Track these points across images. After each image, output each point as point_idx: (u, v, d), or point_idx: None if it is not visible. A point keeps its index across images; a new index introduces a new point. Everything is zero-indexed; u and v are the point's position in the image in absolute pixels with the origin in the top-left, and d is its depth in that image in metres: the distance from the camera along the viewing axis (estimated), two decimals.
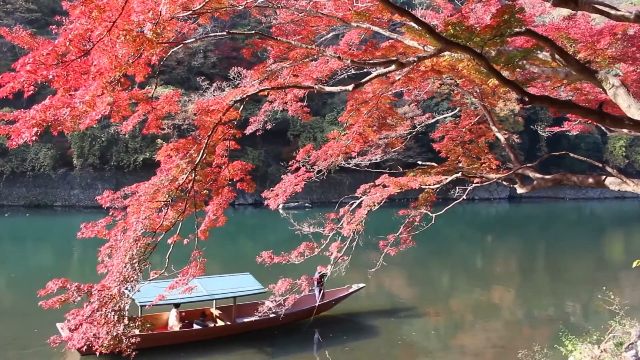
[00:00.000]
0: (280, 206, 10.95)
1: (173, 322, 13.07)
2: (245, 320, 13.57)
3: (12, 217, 39.78)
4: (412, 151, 42.67)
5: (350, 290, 15.73)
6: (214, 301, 13.69)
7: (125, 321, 6.27)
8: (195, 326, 13.10)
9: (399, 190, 10.14)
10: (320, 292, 14.87)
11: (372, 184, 10.71)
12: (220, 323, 13.63)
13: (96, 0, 5.02)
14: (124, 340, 6.01)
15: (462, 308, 16.89)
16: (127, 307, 6.09)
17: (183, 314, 13.26)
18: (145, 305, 11.67)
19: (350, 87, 6.99)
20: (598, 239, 35.57)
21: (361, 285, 15.99)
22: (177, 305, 12.96)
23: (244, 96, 6.91)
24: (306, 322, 14.05)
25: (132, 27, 5.13)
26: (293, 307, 12.54)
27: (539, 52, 7.97)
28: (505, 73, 7.46)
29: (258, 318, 13.08)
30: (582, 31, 9.66)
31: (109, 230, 7.13)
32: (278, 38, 8.95)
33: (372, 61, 8.14)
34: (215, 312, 13.89)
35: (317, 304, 13.95)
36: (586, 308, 17.21)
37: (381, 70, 7.34)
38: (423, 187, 10.38)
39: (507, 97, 12.57)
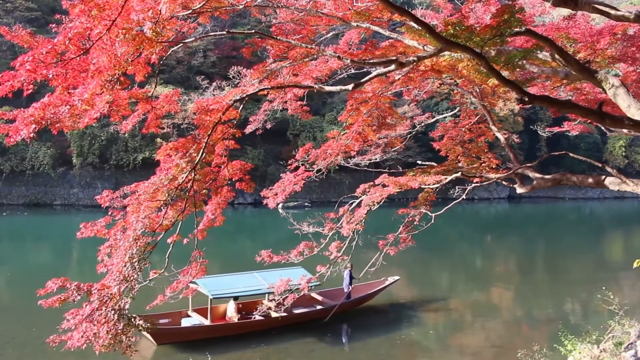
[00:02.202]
0: (280, 205, 11.03)
1: (232, 313, 13.80)
2: (300, 311, 14.45)
3: (10, 216, 39.76)
4: (412, 151, 42.70)
5: (386, 282, 16.55)
6: (267, 294, 14.22)
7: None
8: (257, 317, 13.91)
9: (398, 190, 10.14)
10: (350, 284, 15.71)
11: (371, 183, 10.71)
12: (274, 314, 14.16)
13: None
14: (124, 340, 6.00)
15: (461, 308, 16.89)
16: (127, 307, 6.08)
17: (240, 305, 14.06)
18: (216, 297, 13.07)
19: (350, 87, 6.98)
20: (597, 239, 35.59)
21: (396, 277, 16.81)
22: (235, 298, 13.74)
23: (244, 95, 6.91)
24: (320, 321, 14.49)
25: (131, 25, 5.12)
26: (338, 299, 14.93)
27: (538, 52, 7.97)
28: (505, 73, 7.46)
29: (312, 309, 14.55)
30: (582, 31, 9.66)
31: (109, 229, 7.13)
32: (278, 37, 8.95)
33: (371, 61, 8.13)
34: (269, 304, 14.43)
35: (344, 298, 15.20)
36: (585, 308, 17.22)
37: (381, 69, 7.34)
38: (423, 186, 10.38)
39: (507, 96, 12.57)
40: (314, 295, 15.47)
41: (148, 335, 12.44)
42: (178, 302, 13.78)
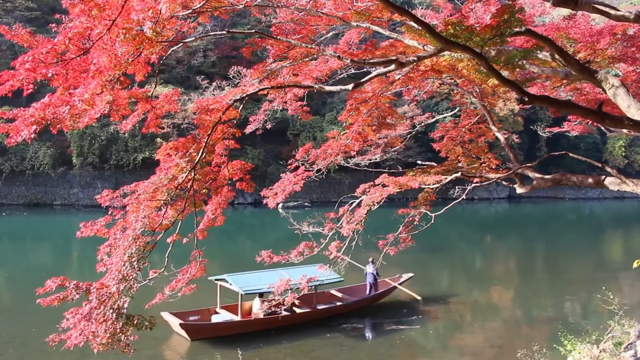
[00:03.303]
0: (280, 205, 11.09)
1: (257, 310, 14.00)
2: (324, 307, 15.05)
3: (10, 216, 39.77)
4: (412, 151, 42.73)
5: (401, 279, 17.24)
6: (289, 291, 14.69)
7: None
8: (283, 313, 14.15)
9: (398, 190, 10.14)
10: (375, 280, 16.45)
11: (371, 183, 10.70)
12: (298, 310, 14.61)
13: None
14: (123, 339, 6.00)
15: (461, 308, 16.89)
16: (126, 306, 6.07)
17: (265, 302, 14.23)
18: (246, 293, 13.47)
19: (350, 87, 6.98)
20: (597, 239, 35.59)
21: (410, 274, 17.51)
22: (261, 295, 14.02)
23: (244, 95, 6.90)
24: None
25: (131, 25, 5.12)
26: (358, 295, 15.99)
27: (538, 52, 7.97)
28: (505, 73, 7.46)
29: (333, 305, 15.22)
30: (582, 31, 9.67)
31: (108, 229, 7.12)
32: (278, 37, 8.94)
33: (371, 60, 8.13)
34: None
35: (368, 292, 16.16)
36: (585, 308, 17.21)
37: (381, 69, 7.34)
38: (422, 186, 10.38)
39: (507, 96, 12.57)
40: (333, 292, 16.19)
41: (182, 332, 12.91)
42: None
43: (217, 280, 14.41)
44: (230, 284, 13.83)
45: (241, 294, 13.68)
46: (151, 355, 12.05)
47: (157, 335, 12.70)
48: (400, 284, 17.08)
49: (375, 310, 15.87)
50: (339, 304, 15.51)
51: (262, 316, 13.80)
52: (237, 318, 13.82)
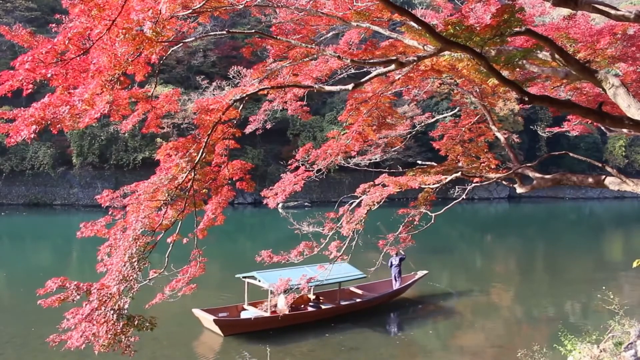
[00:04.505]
0: (280, 205, 11.09)
1: (282, 306, 14.28)
2: (347, 303, 15.63)
3: (9, 216, 39.75)
4: (412, 150, 42.73)
5: (417, 276, 17.92)
6: (312, 288, 15.00)
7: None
8: (310, 308, 14.86)
9: (398, 190, 10.13)
10: (399, 274, 17.10)
11: (371, 183, 10.70)
12: (323, 307, 15.12)
13: None
14: (123, 340, 5.99)
15: (461, 307, 16.89)
16: (126, 306, 6.06)
17: (287, 297, 14.80)
18: (274, 290, 13.68)
19: (349, 87, 6.98)
20: (597, 239, 35.59)
21: (425, 272, 18.26)
22: (285, 291, 14.12)
23: (244, 95, 6.90)
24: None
25: (131, 25, 5.11)
26: (378, 292, 16.74)
27: (538, 51, 7.97)
28: (505, 73, 7.45)
29: (358, 301, 15.89)
30: (582, 31, 9.67)
31: (109, 229, 7.11)
32: (278, 37, 8.94)
33: (371, 60, 8.13)
34: (313, 297, 15.44)
35: (397, 286, 16.95)
36: (585, 308, 17.21)
37: (381, 69, 7.34)
38: (423, 186, 10.38)
39: (507, 96, 12.58)
40: (352, 289, 16.76)
41: (214, 328, 13.39)
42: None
43: (245, 277, 14.86)
44: (260, 281, 14.29)
45: (270, 291, 14.07)
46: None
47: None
48: (416, 281, 17.76)
49: (376, 311, 15.87)
50: (359, 300, 16.12)
51: (287, 312, 14.18)
52: (267, 314, 14.24)
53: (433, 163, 11.63)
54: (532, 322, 15.71)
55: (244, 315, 14.31)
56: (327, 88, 7.36)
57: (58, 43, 5.30)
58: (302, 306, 15.03)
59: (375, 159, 12.97)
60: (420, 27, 6.74)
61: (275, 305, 14.45)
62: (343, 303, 15.51)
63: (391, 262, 17.14)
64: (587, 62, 8.79)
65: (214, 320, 13.21)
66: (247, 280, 14.81)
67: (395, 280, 17.10)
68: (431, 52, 6.92)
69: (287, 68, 9.95)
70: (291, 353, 12.61)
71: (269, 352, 12.69)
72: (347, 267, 15.76)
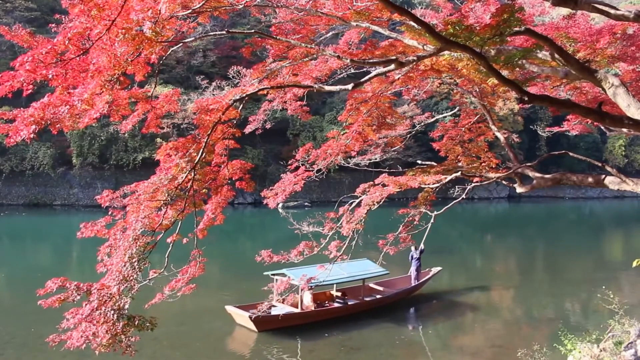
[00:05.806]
0: (280, 205, 11.12)
1: (308, 302, 14.78)
2: (370, 299, 16.15)
3: (9, 216, 39.73)
4: (412, 150, 42.74)
5: (431, 273, 18.51)
6: (335, 284, 15.69)
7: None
8: (335, 304, 15.36)
9: (398, 190, 10.14)
10: (418, 269, 17.61)
11: (371, 183, 10.70)
12: (350, 302, 15.63)
13: None
14: (124, 340, 5.99)
15: (461, 308, 16.89)
16: (126, 306, 6.06)
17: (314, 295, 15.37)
18: (302, 287, 13.95)
19: (349, 87, 6.98)
20: (597, 239, 35.60)
21: (439, 268, 18.92)
22: (310, 288, 14.56)
23: (244, 95, 6.90)
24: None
25: (131, 25, 5.12)
26: (398, 287, 17.32)
27: (538, 51, 7.97)
28: (504, 72, 7.46)
29: (379, 297, 16.41)
30: (582, 30, 9.67)
31: (109, 229, 7.11)
32: (277, 37, 8.94)
33: (371, 60, 8.13)
34: (336, 294, 15.98)
35: (415, 281, 17.54)
36: (585, 307, 17.22)
37: (381, 69, 7.34)
38: (422, 186, 10.39)
39: (507, 96, 12.59)
40: (372, 285, 17.11)
41: (248, 324, 13.78)
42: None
43: (274, 275, 15.07)
44: (292, 278, 14.47)
45: (301, 287, 14.29)
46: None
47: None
48: (430, 277, 18.26)
49: (376, 311, 15.86)
50: (380, 296, 16.61)
51: (313, 308, 14.68)
52: (296, 310, 14.62)
53: (433, 163, 11.63)
54: (532, 322, 15.71)
55: (274, 312, 14.50)
56: (327, 88, 7.36)
57: (58, 43, 5.30)
58: (327, 303, 15.45)
59: (375, 158, 12.98)
60: (419, 27, 6.74)
61: (301, 302, 14.78)
62: (366, 299, 15.98)
63: (412, 256, 17.54)
64: (587, 62, 8.79)
65: (250, 317, 13.53)
66: (276, 277, 15.04)
67: (415, 275, 17.52)
68: (431, 52, 6.92)
69: (287, 68, 9.95)
70: (291, 353, 12.62)
71: (275, 350, 12.77)
72: (369, 264, 16.31)
